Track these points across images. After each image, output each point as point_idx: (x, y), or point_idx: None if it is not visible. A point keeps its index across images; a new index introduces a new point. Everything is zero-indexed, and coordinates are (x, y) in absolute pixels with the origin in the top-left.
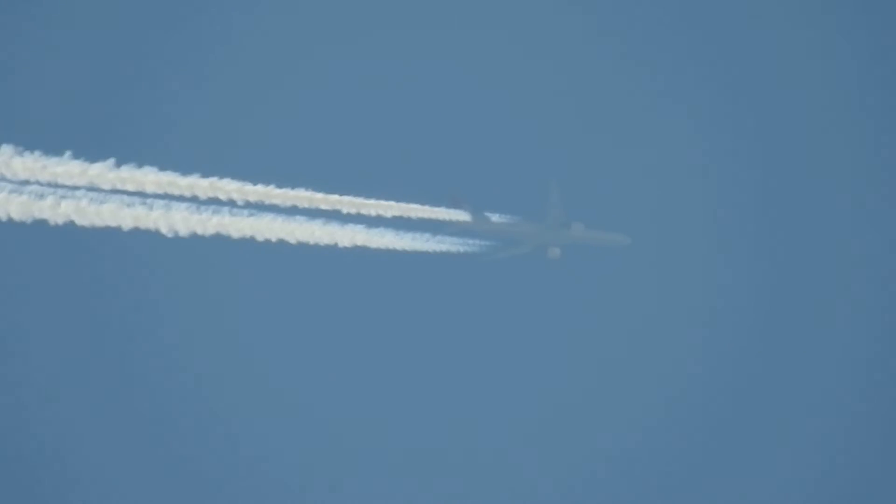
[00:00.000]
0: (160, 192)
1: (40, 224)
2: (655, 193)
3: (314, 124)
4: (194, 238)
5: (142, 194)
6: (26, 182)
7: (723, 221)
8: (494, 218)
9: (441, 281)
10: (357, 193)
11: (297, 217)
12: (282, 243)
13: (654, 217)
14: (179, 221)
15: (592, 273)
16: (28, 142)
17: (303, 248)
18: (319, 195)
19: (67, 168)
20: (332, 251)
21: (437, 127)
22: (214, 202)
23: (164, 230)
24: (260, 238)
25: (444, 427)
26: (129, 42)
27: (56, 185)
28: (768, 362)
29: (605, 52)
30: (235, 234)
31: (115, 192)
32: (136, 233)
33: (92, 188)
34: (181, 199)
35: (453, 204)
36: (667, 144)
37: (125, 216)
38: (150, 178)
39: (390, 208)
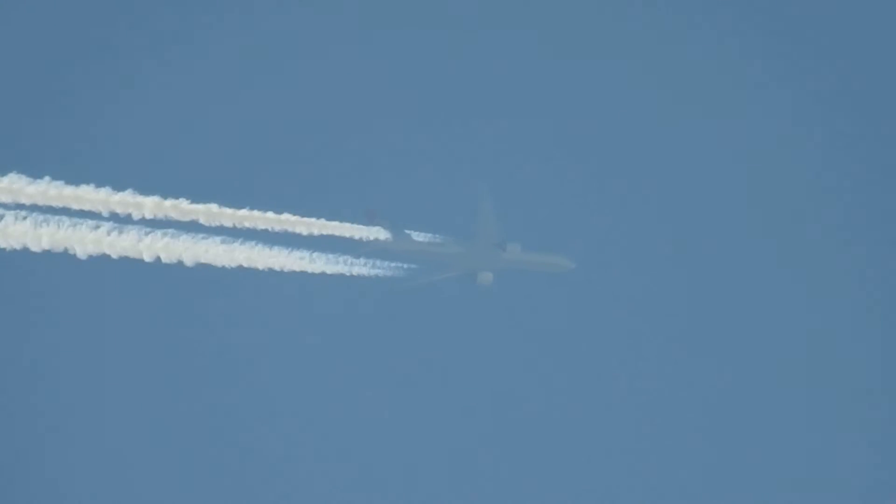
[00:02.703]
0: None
1: None
2: (602, 212)
3: (216, 136)
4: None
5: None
6: None
7: (676, 242)
8: (417, 237)
9: (355, 309)
10: (265, 208)
11: (198, 235)
12: (179, 265)
13: (601, 239)
14: (78, 238)
15: (530, 302)
16: None
17: (203, 269)
18: (226, 210)
19: None
20: (237, 273)
21: (353, 137)
22: (110, 217)
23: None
24: (153, 257)
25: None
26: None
27: None
28: (717, 385)
29: (544, 57)
30: (132, 253)
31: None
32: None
33: None
34: (74, 213)
35: (370, 220)
36: (614, 157)
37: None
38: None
39: (299, 224)
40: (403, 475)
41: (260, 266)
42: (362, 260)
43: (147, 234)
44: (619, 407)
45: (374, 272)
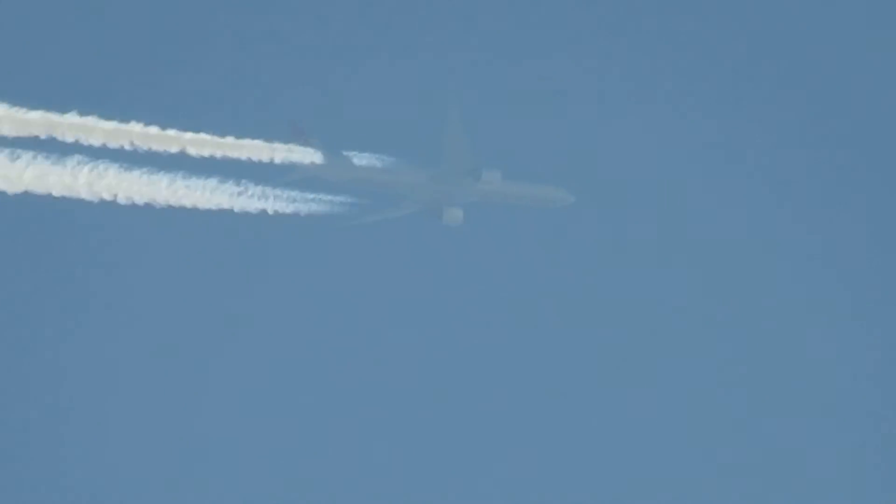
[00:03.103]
0: None
1: None
2: (601, 141)
3: (93, 37)
4: None
5: None
6: None
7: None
8: (360, 160)
9: (286, 254)
10: (170, 126)
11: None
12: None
13: (599, 172)
14: None
15: (511, 247)
16: None
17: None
18: (122, 126)
19: None
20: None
21: (271, 37)
22: None
23: None
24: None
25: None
26: None
27: None
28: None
29: None
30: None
31: None
32: None
33: None
34: None
35: (296, 138)
36: (615, 79)
37: None
38: None
39: (203, 144)
40: (366, 443)
41: (158, 200)
42: (287, 192)
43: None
44: (613, 365)
45: (305, 208)
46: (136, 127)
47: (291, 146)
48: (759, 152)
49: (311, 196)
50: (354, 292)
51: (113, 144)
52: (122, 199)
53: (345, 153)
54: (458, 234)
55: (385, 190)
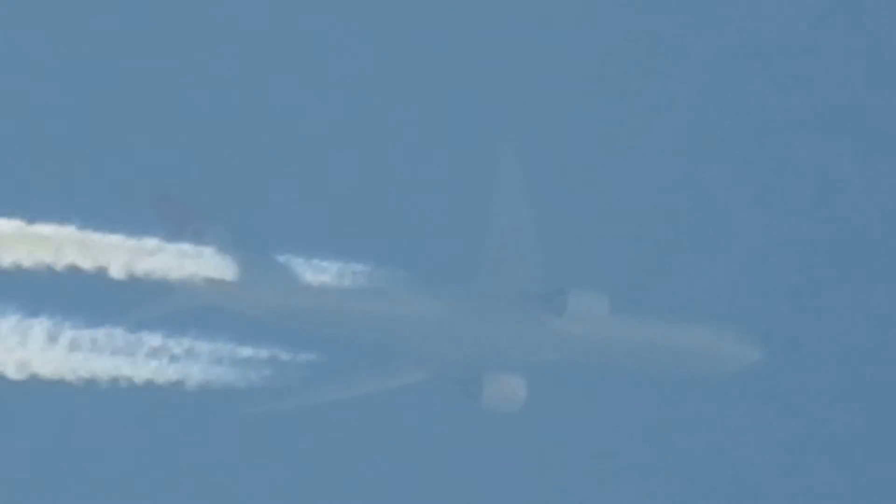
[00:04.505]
0: None
1: None
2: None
3: None
4: None
5: None
6: None
7: None
8: (312, 272)
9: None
10: None
11: None
12: None
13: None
14: None
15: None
16: None
17: None
18: None
19: None
20: None
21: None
22: None
23: None
24: None
25: None
26: None
27: None
28: None
29: None
30: None
31: None
32: None
33: None
34: None
35: (173, 223)
36: None
37: None
38: None
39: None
40: None
41: None
42: (172, 339)
43: None
44: None
45: (205, 374)
46: None
47: (182, 244)
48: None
49: (212, 347)
50: None
51: None
52: None
53: (280, 258)
54: (517, 436)
55: (366, 334)
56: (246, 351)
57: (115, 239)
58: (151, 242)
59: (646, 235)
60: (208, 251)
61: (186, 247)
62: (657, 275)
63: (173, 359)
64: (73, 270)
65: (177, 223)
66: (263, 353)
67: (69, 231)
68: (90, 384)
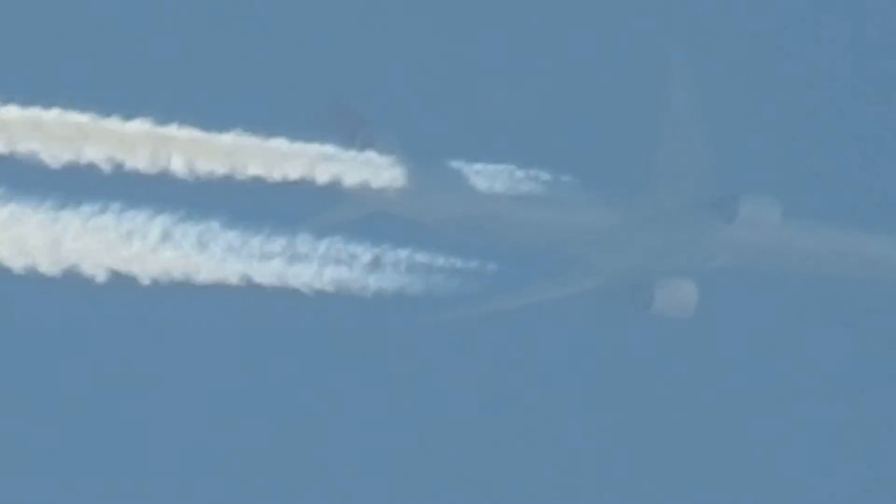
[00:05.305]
0: None
1: None
2: None
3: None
4: None
5: None
6: None
7: None
8: (481, 180)
9: (345, 377)
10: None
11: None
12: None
13: None
14: None
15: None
16: None
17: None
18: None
19: None
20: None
21: None
22: None
23: None
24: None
25: None
26: None
27: None
28: None
29: None
30: None
31: None
32: None
33: None
34: None
35: (347, 132)
36: None
37: None
38: None
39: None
40: None
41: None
42: (339, 246)
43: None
44: None
45: (381, 281)
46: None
47: (353, 152)
48: None
49: (388, 254)
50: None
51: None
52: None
53: (451, 164)
54: (690, 343)
55: (535, 243)
56: (421, 257)
57: (292, 146)
58: (326, 149)
59: (824, 143)
60: (379, 158)
61: (357, 154)
62: (831, 181)
63: (355, 265)
64: (254, 179)
65: (348, 130)
66: (439, 260)
67: (246, 139)
68: (276, 292)
